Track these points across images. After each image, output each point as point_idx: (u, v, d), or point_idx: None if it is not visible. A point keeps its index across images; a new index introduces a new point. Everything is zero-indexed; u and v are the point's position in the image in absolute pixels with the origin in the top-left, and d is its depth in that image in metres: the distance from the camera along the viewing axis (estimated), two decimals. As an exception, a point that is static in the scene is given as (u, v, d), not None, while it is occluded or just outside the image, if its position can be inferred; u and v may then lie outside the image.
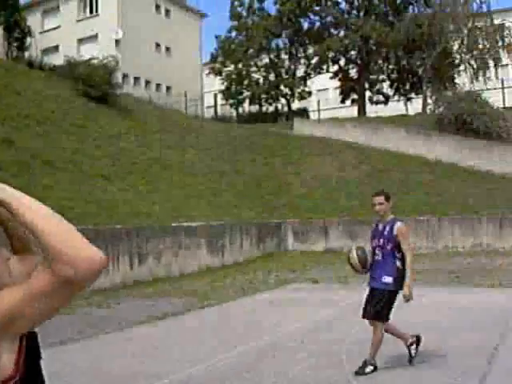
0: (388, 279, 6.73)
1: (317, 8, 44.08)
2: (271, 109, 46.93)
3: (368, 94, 45.64)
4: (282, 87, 45.50)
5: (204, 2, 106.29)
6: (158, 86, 46.43)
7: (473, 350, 7.62)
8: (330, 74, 46.67)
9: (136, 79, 44.10)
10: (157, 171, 24.48)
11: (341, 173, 28.53)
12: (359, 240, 19.08)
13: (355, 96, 45.79)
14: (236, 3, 45.47)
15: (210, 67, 47.55)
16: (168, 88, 46.92)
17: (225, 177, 27.32)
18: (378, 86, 45.91)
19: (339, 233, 23.15)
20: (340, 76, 46.47)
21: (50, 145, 21.29)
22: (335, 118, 36.85)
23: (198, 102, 43.48)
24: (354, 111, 44.15)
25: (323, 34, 44.10)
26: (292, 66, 46.20)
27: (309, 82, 46.44)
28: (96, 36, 43.60)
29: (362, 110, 43.13)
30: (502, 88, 38.29)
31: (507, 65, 39.39)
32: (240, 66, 44.91)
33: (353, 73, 46.14)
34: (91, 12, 45.16)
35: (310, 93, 46.87)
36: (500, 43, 38.88)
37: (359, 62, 44.42)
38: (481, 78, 38.66)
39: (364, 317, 7.01)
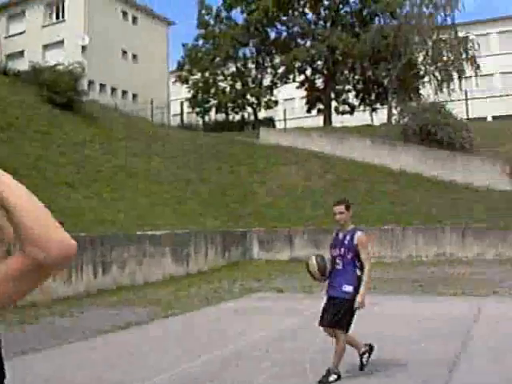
0: (348, 288, 6.74)
1: (284, 18, 44.31)
2: (237, 117, 46.96)
3: (334, 103, 45.92)
4: (248, 96, 45.56)
5: (171, 10, 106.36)
6: (124, 93, 46.21)
7: (434, 359, 7.67)
8: (297, 84, 46.94)
9: (102, 86, 43.82)
10: (122, 179, 24.32)
11: (306, 182, 28.64)
12: (324, 249, 19.13)
13: (321, 106, 46.06)
14: (203, 11, 45.44)
15: (177, 75, 47.42)
16: (134, 95, 46.72)
17: (190, 185, 27.25)
18: (343, 96, 46.24)
19: (304, 242, 23.19)
20: (306, 86, 46.71)
21: (13, 151, 21.04)
22: (301, 127, 37.02)
23: (164, 109, 43.36)
24: (319, 121, 44.36)
25: (290, 44, 44.33)
26: (259, 75, 46.32)
27: (275, 92, 46.65)
28: (62, 42, 43.28)
29: (327, 120, 43.37)
30: (466, 99, 38.88)
31: (471, 77, 39.96)
32: (207, 74, 44.88)
33: (319, 83, 46.40)
34: (57, 18, 44.85)
35: (276, 102, 47.05)
36: (464, 55, 39.49)
37: (325, 72, 44.70)
38: (445, 90, 39.22)
39: (321, 325, 7.02)
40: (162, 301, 13.84)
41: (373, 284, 14.61)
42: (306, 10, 44.83)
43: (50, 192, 18.91)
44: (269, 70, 46.47)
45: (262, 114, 48.11)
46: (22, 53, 43.82)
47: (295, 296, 14.29)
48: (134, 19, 48.50)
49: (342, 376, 6.83)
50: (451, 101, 35.45)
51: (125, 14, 47.41)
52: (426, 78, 41.36)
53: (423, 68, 41.32)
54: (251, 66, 46.56)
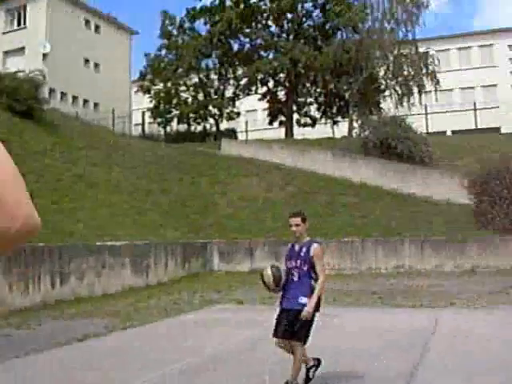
0: (304, 300, 6.71)
1: (247, 30, 44.46)
2: (199, 128, 46.90)
3: (296, 116, 46.18)
4: (210, 107, 45.48)
5: (135, 20, 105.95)
6: (86, 102, 45.87)
7: (392, 371, 7.71)
8: (259, 96, 47.10)
9: (63, 94, 43.45)
10: (82, 189, 24.08)
11: (267, 194, 28.70)
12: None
13: (283, 118, 46.27)
14: (167, 22, 45.34)
15: (139, 85, 47.15)
16: (96, 104, 46.39)
17: (151, 196, 27.09)
18: (305, 109, 46.53)
19: (265, 253, 23.19)
20: (268, 98, 46.91)
21: (-30, 159, 20.68)
22: (263, 139, 37.12)
23: (125, 119, 43.15)
24: (281, 133, 44.54)
25: (253, 56, 44.47)
26: (221, 87, 46.33)
27: (237, 103, 46.69)
28: (23, 49, 42.81)
29: (289, 132, 43.57)
30: (426, 114, 39.53)
31: (430, 91, 40.54)
32: (169, 84, 44.72)
33: (281, 95, 46.64)
34: (19, 24, 44.34)
35: (238, 113, 47.09)
36: (424, 70, 40.07)
37: (288, 84, 44.94)
38: (405, 104, 39.75)
39: (275, 336, 6.96)
40: (120, 312, 13.70)
41: (332, 296, 14.72)
42: (270, 23, 45.09)
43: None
44: (231, 82, 46.55)
45: (224, 125, 48.12)
46: (-19, 59, 43.26)
47: (255, 307, 14.27)
48: (97, 28, 48.23)
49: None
50: (411, 115, 35.90)
51: (87, 22, 47.11)
52: (387, 92, 41.88)
53: (384, 82, 41.83)
54: (214, 77, 46.55)
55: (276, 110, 46.98)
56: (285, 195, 28.34)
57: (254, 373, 7.80)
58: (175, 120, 45.86)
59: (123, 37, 51.28)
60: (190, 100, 45.31)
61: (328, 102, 45.29)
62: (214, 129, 46.61)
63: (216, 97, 45.80)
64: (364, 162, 30.05)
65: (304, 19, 44.80)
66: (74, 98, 44.80)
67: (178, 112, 45.06)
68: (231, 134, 45.40)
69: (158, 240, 21.66)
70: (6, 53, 43.59)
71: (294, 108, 45.82)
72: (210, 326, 11.79)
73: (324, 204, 26.89)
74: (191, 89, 45.57)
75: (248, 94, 46.57)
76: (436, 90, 40.31)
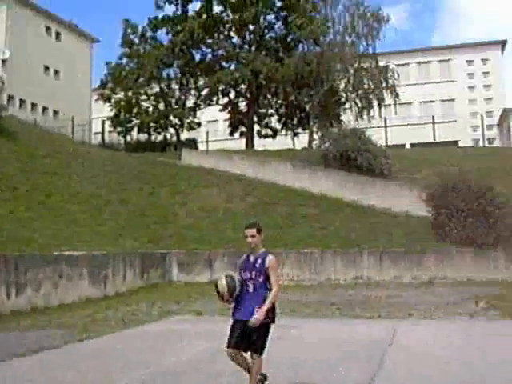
0: None
1: (209, 40, 44.47)
2: (160, 138, 46.66)
3: (256, 127, 46.36)
4: (171, 117, 45.34)
5: (96, 27, 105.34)
6: (45, 109, 45.39)
7: (350, 382, 7.73)
8: (220, 106, 47.17)
9: (22, 101, 42.95)
10: (39, 197, 23.74)
11: (228, 204, 28.66)
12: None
13: (244, 129, 46.34)
14: (129, 30, 45.14)
15: (100, 93, 46.77)
16: (55, 112, 45.94)
17: (110, 205, 26.82)
18: (266, 120, 46.76)
19: (224, 264, 23.09)
20: (229, 108, 46.99)
21: None
22: (223, 149, 37.10)
23: (85, 127, 42.79)
24: (242, 144, 44.63)
25: (214, 67, 44.51)
26: (182, 97, 46.21)
27: (198, 113, 46.70)
28: (-19, 55, 42.15)
29: (250, 143, 43.65)
30: (385, 127, 40.02)
31: (390, 105, 41.02)
32: (130, 93, 44.48)
33: (242, 106, 46.73)
34: (-23, 30, 43.69)
35: (199, 124, 47.10)
36: (384, 84, 40.59)
37: (249, 95, 45.05)
38: (365, 117, 40.23)
39: (229, 346, 6.87)
40: (77, 323, 13.50)
41: (291, 307, 14.75)
42: (232, 34, 45.20)
43: (-38, 209, 18.30)
44: (192, 92, 46.48)
45: (185, 135, 48.05)
46: None
47: (214, 319, 14.19)
48: (58, 35, 47.82)
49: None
50: (371, 127, 36.33)
51: (48, 29, 46.69)
52: (347, 105, 42.30)
53: (344, 95, 42.25)
54: (175, 86, 46.40)
55: (237, 121, 47.04)
56: (245, 206, 28.32)
57: (212, 385, 7.74)
58: (135, 129, 45.57)
59: (84, 44, 50.93)
60: (150, 109, 45.11)
61: (289, 114, 45.55)
62: (175, 139, 46.45)
63: (177, 107, 45.67)
64: (324, 174, 30.20)
65: (266, 31, 45.06)
66: (33, 105, 44.30)
67: (138, 121, 44.81)
68: (192, 144, 45.34)
69: (117, 250, 21.43)
70: (-36, 59, 42.89)
71: (255, 119, 45.98)
72: (169, 338, 11.69)
73: (284, 215, 26.96)
74: (152, 98, 45.36)
75: (209, 105, 46.58)
76: (395, 104, 40.79)
